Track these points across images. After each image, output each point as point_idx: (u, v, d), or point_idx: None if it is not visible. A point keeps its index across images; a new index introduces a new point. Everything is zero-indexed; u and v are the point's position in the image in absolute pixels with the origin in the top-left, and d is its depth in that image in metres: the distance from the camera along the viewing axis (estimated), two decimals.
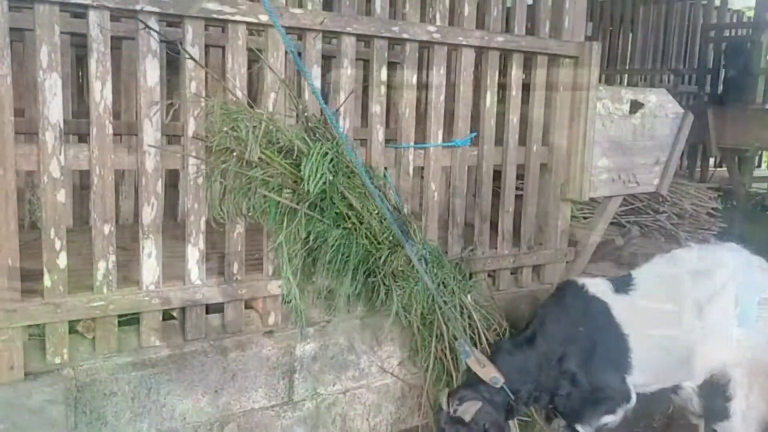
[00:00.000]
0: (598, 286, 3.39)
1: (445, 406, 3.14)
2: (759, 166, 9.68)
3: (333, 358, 3.47)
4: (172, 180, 4.94)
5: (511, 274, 4.20)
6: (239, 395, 3.20)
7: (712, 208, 7.28)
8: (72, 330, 2.84)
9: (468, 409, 3.08)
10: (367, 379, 3.61)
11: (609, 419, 3.33)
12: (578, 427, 3.35)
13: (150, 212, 2.85)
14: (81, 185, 4.52)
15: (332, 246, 3.06)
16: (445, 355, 3.52)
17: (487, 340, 3.56)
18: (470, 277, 3.71)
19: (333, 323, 3.45)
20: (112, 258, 2.80)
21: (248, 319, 3.27)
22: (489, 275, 4.10)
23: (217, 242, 3.20)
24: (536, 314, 3.41)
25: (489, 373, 3.16)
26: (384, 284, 3.29)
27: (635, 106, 4.13)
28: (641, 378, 3.34)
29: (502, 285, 4.12)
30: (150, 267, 2.89)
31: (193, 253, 2.98)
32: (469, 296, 3.57)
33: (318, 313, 3.44)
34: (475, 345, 3.44)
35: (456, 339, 3.37)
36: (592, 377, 3.26)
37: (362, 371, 3.58)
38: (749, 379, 3.46)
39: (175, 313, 3.12)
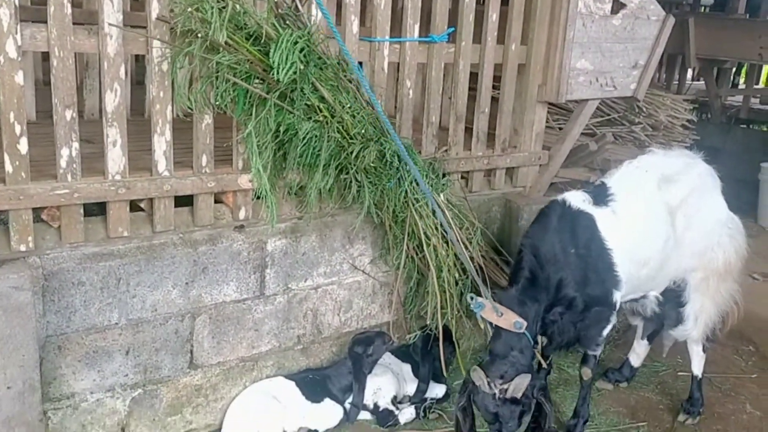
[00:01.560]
0: (579, 200, 3.24)
1: (486, 388, 2.88)
2: (736, 84, 9.66)
3: (304, 254, 3.48)
4: (140, 77, 4.78)
5: (485, 176, 4.20)
6: (210, 288, 3.21)
7: (687, 120, 7.30)
8: (37, 219, 2.80)
9: (520, 386, 2.87)
10: (339, 276, 3.64)
11: (608, 331, 3.35)
12: (590, 351, 3.36)
13: (113, 99, 2.75)
14: (44, 81, 4.36)
15: (303, 139, 3.01)
16: (417, 253, 3.55)
17: (459, 238, 3.58)
18: (443, 177, 3.70)
19: (305, 220, 3.44)
20: (76, 145, 2.72)
21: (218, 213, 3.23)
22: (462, 177, 4.09)
23: (186, 138, 3.13)
24: (526, 243, 3.21)
25: (509, 319, 2.95)
26: (356, 180, 3.27)
27: (617, 5, 4.03)
28: (623, 290, 3.32)
29: (475, 186, 4.12)
30: (115, 156, 2.82)
31: (160, 143, 2.90)
32: (441, 195, 3.56)
33: (290, 209, 3.42)
34: (446, 243, 3.46)
35: (462, 291, 3.30)
36: (588, 297, 3.17)
37: (333, 268, 3.60)
38: (704, 283, 3.54)
39: (143, 205, 3.07)
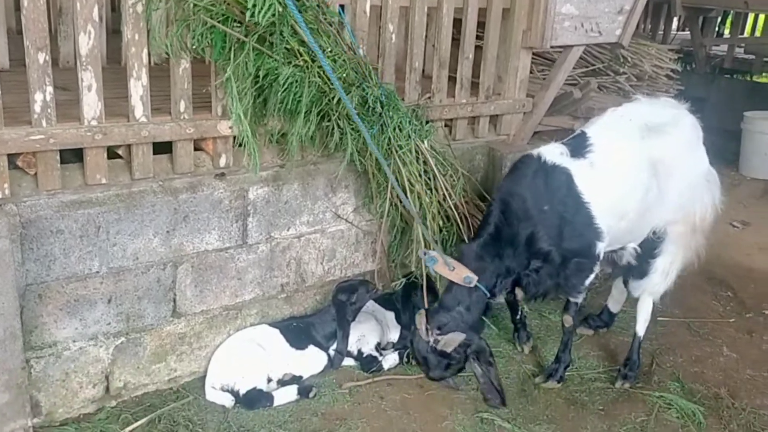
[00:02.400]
0: (555, 154, 3.16)
1: (423, 334, 2.99)
2: (721, 33, 9.59)
3: (287, 203, 3.46)
4: (116, 25, 4.66)
5: (468, 124, 4.17)
6: (192, 237, 3.19)
7: (672, 70, 7.27)
8: (13, 166, 2.74)
9: (450, 342, 2.96)
10: (322, 225, 3.63)
11: (590, 281, 3.35)
12: (572, 299, 3.38)
13: (87, 41, 2.68)
14: (17, 30, 4.24)
15: (283, 84, 2.95)
16: (400, 201, 3.53)
17: (443, 186, 3.57)
18: (426, 125, 3.66)
19: (287, 168, 3.41)
20: (50, 89, 2.65)
21: (198, 160, 3.19)
22: (446, 124, 4.06)
23: (164, 86, 3.05)
24: (496, 198, 3.19)
25: (460, 273, 3.00)
26: (338, 127, 3.23)
27: None
28: (606, 241, 3.30)
29: (458, 134, 4.10)
30: (90, 101, 2.75)
31: (136, 87, 2.84)
32: (425, 142, 3.54)
33: (271, 157, 3.38)
34: (430, 190, 3.45)
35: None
36: (565, 250, 3.17)
37: (316, 217, 3.59)
38: (683, 237, 3.50)
39: (120, 152, 3.02)
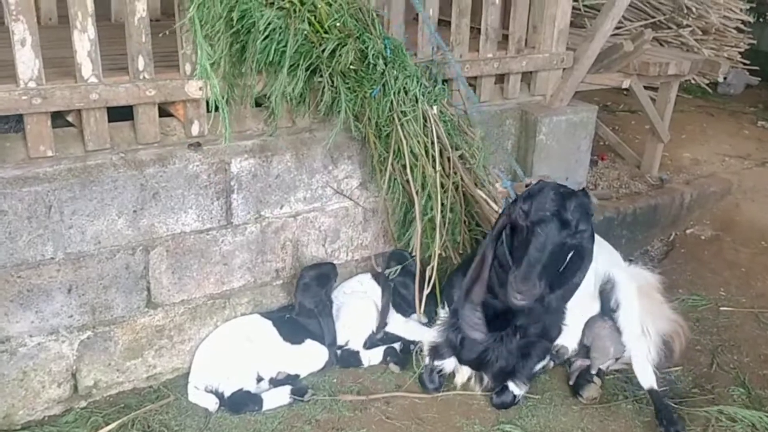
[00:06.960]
0: None
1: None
2: None
3: (278, 176, 3.00)
4: None
5: (496, 83, 3.65)
6: (165, 217, 2.78)
7: (742, 22, 6.60)
8: None
9: None
10: (321, 202, 3.17)
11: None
12: (515, 385, 2.94)
13: None
14: None
15: (264, 31, 2.46)
16: (404, 175, 3.02)
17: (450, 160, 3.04)
18: (443, 85, 3.13)
19: (275, 135, 2.95)
20: None
21: (168, 128, 2.77)
22: (469, 84, 3.51)
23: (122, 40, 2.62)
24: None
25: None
26: (331, 85, 2.72)
27: None
28: None
29: (484, 96, 3.59)
30: (26, 58, 2.33)
31: (82, 41, 2.39)
32: (434, 107, 3.00)
33: (256, 123, 2.93)
34: (435, 168, 2.94)
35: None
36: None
37: (315, 192, 3.13)
38: None
39: (71, 119, 2.60)
